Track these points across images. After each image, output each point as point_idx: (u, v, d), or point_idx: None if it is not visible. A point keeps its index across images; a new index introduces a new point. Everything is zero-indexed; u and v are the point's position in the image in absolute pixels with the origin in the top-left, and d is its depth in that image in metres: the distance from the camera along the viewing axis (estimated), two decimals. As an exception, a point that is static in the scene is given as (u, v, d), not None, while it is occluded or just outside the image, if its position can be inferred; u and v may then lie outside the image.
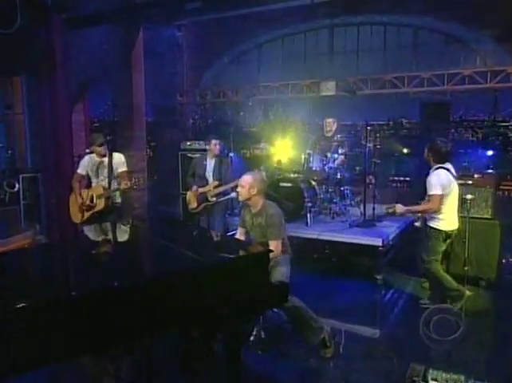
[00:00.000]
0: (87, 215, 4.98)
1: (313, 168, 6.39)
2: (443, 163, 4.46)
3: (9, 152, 6.10)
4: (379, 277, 5.33)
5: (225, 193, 5.22)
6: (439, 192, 4.29)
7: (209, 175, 5.73)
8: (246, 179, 3.60)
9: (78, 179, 5.12)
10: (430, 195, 4.33)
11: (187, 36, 10.38)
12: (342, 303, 4.82)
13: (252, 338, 3.76)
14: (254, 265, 2.73)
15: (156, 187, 9.92)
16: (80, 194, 5.02)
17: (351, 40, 8.78)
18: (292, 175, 6.41)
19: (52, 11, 5.73)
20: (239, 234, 3.84)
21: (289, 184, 6.20)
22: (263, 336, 3.77)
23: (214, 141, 5.72)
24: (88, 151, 5.15)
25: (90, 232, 4.04)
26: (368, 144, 7.72)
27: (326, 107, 9.53)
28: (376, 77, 8.21)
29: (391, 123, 13.98)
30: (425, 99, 9.89)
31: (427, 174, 4.61)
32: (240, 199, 3.67)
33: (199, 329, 2.60)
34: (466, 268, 4.98)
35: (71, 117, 7.17)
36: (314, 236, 5.71)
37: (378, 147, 14.43)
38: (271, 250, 2.93)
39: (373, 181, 10.10)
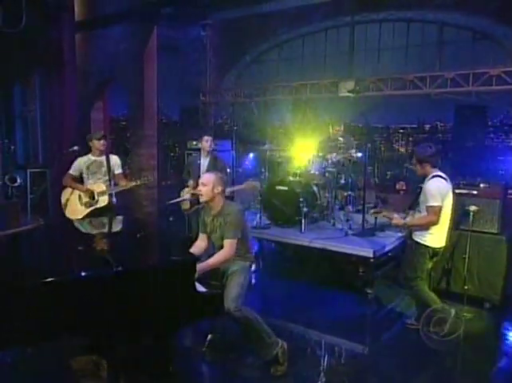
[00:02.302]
0: (86, 211, 4.91)
1: (312, 172, 6.07)
2: (438, 168, 4.06)
3: (12, 147, 6.34)
4: (369, 291, 4.97)
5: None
6: (440, 203, 3.90)
7: (202, 176, 5.57)
8: (209, 177, 3.44)
9: (69, 178, 5.00)
10: (430, 207, 3.89)
11: (211, 35, 10.36)
12: (326, 315, 4.56)
13: (204, 348, 3.61)
14: (177, 273, 2.59)
15: (176, 185, 9.99)
16: (77, 189, 4.92)
17: (372, 38, 8.34)
18: (290, 179, 6.14)
19: (57, 11, 5.83)
20: (200, 241, 3.60)
21: (285, 188, 5.94)
22: (216, 346, 3.61)
23: (205, 137, 5.52)
24: (75, 148, 5.15)
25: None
26: (401, 148, 7.15)
27: (348, 108, 9.13)
28: (396, 77, 7.73)
29: (426, 126, 13.30)
30: (460, 101, 9.24)
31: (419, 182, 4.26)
32: (203, 199, 3.45)
33: (112, 337, 2.45)
34: (466, 287, 4.56)
35: (82, 114, 7.32)
36: (305, 243, 5.43)
37: (410, 151, 13.78)
38: (198, 259, 2.75)
39: (404, 187, 9.60)
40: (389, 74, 7.84)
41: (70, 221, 4.82)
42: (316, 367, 3.57)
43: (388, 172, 11.22)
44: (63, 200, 5.08)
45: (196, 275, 2.92)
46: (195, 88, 10.54)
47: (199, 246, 3.57)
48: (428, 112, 9.66)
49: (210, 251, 3.49)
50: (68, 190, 5.04)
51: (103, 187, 4.92)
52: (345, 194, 6.41)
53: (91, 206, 4.91)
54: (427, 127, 12.10)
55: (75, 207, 4.97)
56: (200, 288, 2.90)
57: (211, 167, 5.54)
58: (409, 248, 4.17)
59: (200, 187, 3.43)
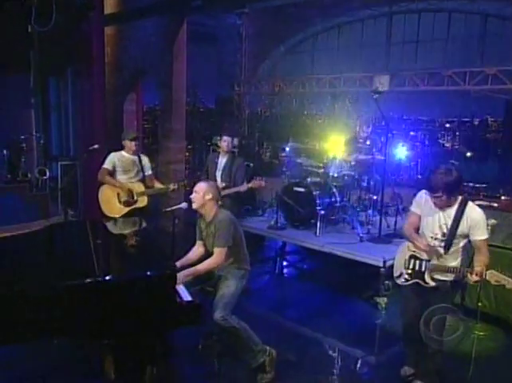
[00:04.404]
0: (125, 210, 4.84)
1: (331, 173, 5.88)
2: None
3: (42, 141, 6.61)
4: (379, 300, 4.81)
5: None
6: None
7: (218, 173, 5.46)
8: (201, 185, 3.46)
9: (105, 173, 4.85)
10: (485, 240, 3.10)
11: (247, 24, 10.22)
12: (328, 321, 4.52)
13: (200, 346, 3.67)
14: (155, 283, 2.65)
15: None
16: (117, 186, 4.83)
17: (410, 29, 7.86)
18: (309, 180, 6.00)
19: (85, 10, 5.99)
20: (197, 247, 3.67)
21: (303, 189, 5.82)
22: (212, 347, 3.65)
23: (224, 137, 5.42)
24: (96, 146, 5.26)
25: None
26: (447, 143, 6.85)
27: (387, 100, 8.73)
28: (434, 72, 7.27)
29: (475, 120, 12.45)
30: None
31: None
32: (194, 206, 3.49)
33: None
34: (479, 303, 4.30)
35: (115, 106, 7.50)
36: (317, 247, 5.34)
37: (456, 147, 12.99)
38: (177, 270, 2.80)
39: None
40: (426, 69, 7.39)
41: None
42: (307, 374, 3.55)
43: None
44: (100, 197, 4.93)
45: (180, 282, 2.99)
46: (230, 78, 10.50)
47: (196, 251, 3.65)
48: (477, 105, 8.98)
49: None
50: (106, 186, 4.88)
51: (142, 188, 4.90)
52: (367, 196, 6.19)
53: (130, 205, 4.86)
54: (477, 121, 11.32)
55: (113, 205, 4.87)
56: (186, 297, 2.95)
57: (229, 166, 5.49)
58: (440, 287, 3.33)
59: (193, 195, 3.48)
